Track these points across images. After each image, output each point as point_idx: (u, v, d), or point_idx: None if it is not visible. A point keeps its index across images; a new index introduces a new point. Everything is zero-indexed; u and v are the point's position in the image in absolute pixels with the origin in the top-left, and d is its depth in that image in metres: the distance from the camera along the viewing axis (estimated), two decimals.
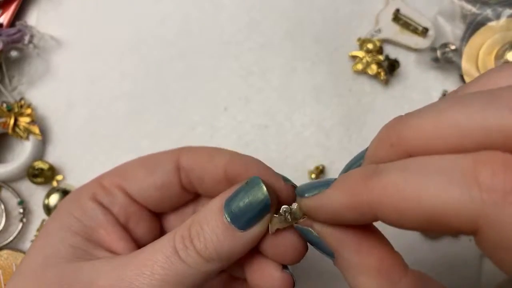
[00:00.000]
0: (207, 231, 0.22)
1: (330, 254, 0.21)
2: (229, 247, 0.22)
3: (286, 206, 0.22)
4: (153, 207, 0.27)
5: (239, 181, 0.24)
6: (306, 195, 0.20)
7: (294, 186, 0.24)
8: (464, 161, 0.15)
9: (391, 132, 0.18)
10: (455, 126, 0.16)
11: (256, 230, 0.22)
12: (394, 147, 0.17)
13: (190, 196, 0.28)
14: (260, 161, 0.25)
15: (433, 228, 0.16)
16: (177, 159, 0.27)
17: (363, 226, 0.20)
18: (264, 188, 0.22)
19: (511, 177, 0.14)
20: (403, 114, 0.18)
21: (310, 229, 0.21)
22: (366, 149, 0.20)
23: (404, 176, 0.16)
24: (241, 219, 0.22)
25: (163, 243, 0.23)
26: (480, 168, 0.14)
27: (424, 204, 0.15)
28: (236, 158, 0.25)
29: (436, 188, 0.15)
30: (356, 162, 0.20)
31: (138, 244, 0.27)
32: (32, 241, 0.37)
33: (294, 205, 0.22)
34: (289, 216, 0.22)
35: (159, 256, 0.22)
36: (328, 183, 0.19)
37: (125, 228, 0.27)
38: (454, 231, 0.15)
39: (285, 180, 0.24)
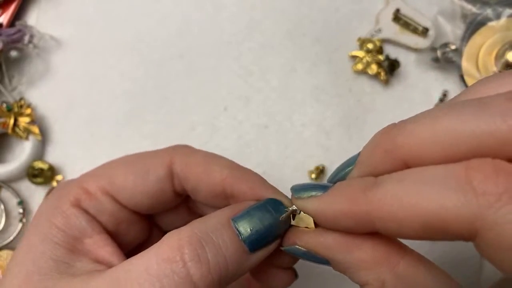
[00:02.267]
0: (212, 249, 0.20)
1: (325, 262, 0.21)
2: (235, 269, 0.21)
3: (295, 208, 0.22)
4: (145, 212, 0.26)
5: (239, 196, 0.23)
6: (302, 195, 0.20)
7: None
8: (457, 169, 0.15)
9: (385, 138, 0.18)
10: (450, 132, 0.16)
11: (265, 252, 0.22)
12: (389, 153, 0.18)
13: (184, 197, 0.27)
14: (260, 176, 0.24)
15: (432, 235, 0.16)
16: (169, 163, 0.24)
17: None
18: (287, 209, 0.22)
19: (503, 179, 0.14)
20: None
21: (297, 246, 0.21)
22: (356, 156, 0.20)
23: (401, 186, 0.16)
24: (257, 237, 0.21)
25: (151, 265, 0.20)
26: (473, 174, 0.15)
27: (421, 210, 0.15)
28: (235, 172, 0.24)
29: (433, 195, 0.15)
30: (345, 168, 0.21)
31: (127, 247, 0.26)
32: None
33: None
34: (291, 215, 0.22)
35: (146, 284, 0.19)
36: (324, 187, 0.20)
37: (112, 234, 0.25)
38: (453, 237, 0.16)
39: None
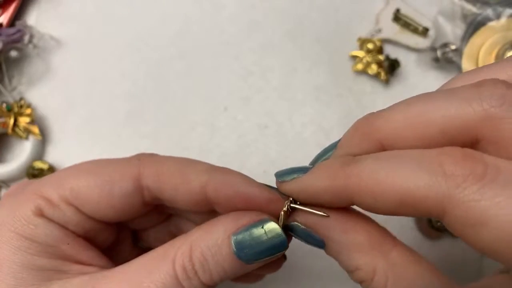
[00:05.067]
0: (212, 263, 0.21)
1: (320, 243, 0.21)
2: (234, 275, 0.22)
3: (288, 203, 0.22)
4: (114, 221, 0.25)
5: (224, 202, 0.22)
6: (286, 179, 0.21)
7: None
8: (431, 153, 0.17)
9: (364, 123, 0.20)
10: (421, 115, 0.18)
11: (263, 261, 0.22)
12: (366, 135, 0.19)
13: (155, 205, 0.25)
14: (241, 175, 0.23)
15: (404, 211, 0.17)
16: (137, 175, 0.23)
17: (344, 210, 0.21)
18: (283, 235, 0.22)
19: (470, 163, 0.16)
20: None
21: (297, 223, 0.22)
22: (335, 143, 0.22)
23: (378, 163, 0.18)
24: (252, 257, 0.22)
25: (161, 269, 0.21)
26: (444, 158, 0.16)
27: (396, 187, 0.17)
28: (215, 176, 0.23)
29: (407, 174, 0.17)
30: (325, 154, 0.22)
31: (105, 248, 0.26)
32: None
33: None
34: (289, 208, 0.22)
35: (159, 283, 0.21)
36: (305, 169, 0.21)
37: (87, 238, 0.24)
38: (423, 214, 0.17)
39: (272, 188, 0.23)
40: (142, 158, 0.24)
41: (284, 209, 0.22)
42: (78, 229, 0.24)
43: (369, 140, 0.19)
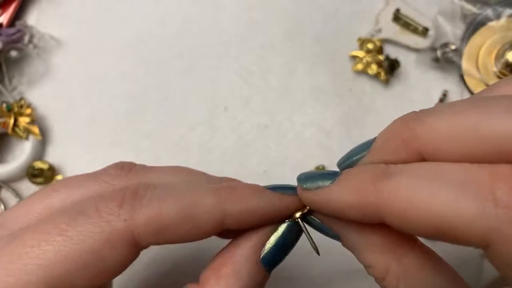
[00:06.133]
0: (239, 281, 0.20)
1: (336, 237, 0.21)
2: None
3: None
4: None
5: (246, 227, 0.21)
6: (306, 186, 0.20)
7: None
8: (481, 173, 0.14)
9: (405, 127, 0.17)
10: (473, 130, 0.15)
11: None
12: (406, 143, 0.17)
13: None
14: (255, 190, 0.21)
15: (440, 238, 0.15)
16: (131, 239, 0.19)
17: None
18: (296, 227, 0.21)
19: None
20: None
21: (313, 217, 0.21)
22: (369, 141, 0.19)
23: (416, 182, 0.15)
24: (276, 265, 0.21)
25: None
26: (497, 183, 0.14)
27: (434, 213, 0.15)
28: (231, 207, 0.20)
29: (449, 198, 0.14)
30: (357, 154, 0.20)
31: None
32: None
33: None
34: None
35: None
36: (331, 176, 0.19)
37: None
38: (463, 243, 0.15)
39: (286, 189, 0.22)
40: (128, 214, 0.19)
41: (297, 216, 0.22)
42: None
43: (407, 148, 0.17)
